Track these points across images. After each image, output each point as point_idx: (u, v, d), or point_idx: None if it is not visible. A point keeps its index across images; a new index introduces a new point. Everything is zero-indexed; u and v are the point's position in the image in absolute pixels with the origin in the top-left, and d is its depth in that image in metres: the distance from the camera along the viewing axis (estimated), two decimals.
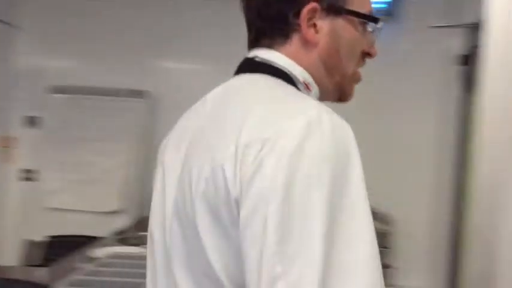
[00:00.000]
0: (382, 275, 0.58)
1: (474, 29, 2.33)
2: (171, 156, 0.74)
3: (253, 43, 0.78)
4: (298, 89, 0.74)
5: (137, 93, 3.10)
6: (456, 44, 2.64)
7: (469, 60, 2.51)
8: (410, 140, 2.86)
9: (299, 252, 0.56)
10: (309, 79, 0.76)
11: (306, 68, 0.76)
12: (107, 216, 2.99)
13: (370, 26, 0.80)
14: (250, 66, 0.77)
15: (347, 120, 0.64)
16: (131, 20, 3.13)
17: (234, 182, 0.61)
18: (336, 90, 0.82)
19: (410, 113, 2.90)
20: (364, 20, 0.79)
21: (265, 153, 0.59)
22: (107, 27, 3.13)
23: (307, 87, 0.76)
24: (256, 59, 0.76)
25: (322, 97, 0.80)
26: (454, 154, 2.65)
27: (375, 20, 0.80)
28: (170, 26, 3.11)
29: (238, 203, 0.60)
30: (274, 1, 0.75)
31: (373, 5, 0.83)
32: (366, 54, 0.83)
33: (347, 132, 0.63)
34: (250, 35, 0.79)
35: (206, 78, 3.08)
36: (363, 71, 0.84)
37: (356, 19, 0.78)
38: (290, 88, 0.73)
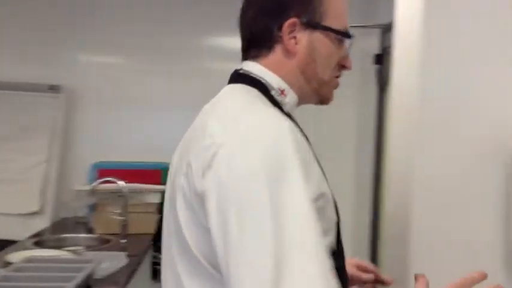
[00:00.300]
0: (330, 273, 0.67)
1: (387, 29, 2.46)
2: (173, 161, 0.89)
3: (244, 54, 0.93)
4: (271, 95, 0.87)
5: (54, 88, 2.93)
6: (373, 43, 2.76)
7: (382, 59, 2.64)
8: (332, 136, 2.96)
9: (254, 244, 0.66)
10: (285, 86, 0.89)
11: (286, 76, 0.89)
12: (26, 218, 2.83)
13: (345, 41, 0.92)
14: (235, 77, 0.91)
15: None
16: (46, 11, 2.95)
17: (198, 178, 0.73)
18: (315, 95, 0.93)
19: (332, 110, 2.96)
20: (338, 36, 0.90)
21: (216, 156, 0.71)
22: (20, 18, 2.95)
23: (282, 93, 0.88)
24: (240, 71, 0.90)
25: (304, 100, 0.93)
26: (373, 148, 2.79)
27: (348, 36, 0.92)
28: (88, 18, 2.96)
29: (202, 197, 0.72)
30: (261, 17, 0.88)
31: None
32: (342, 66, 0.95)
33: (287, 138, 0.72)
34: (242, 46, 0.93)
35: (127, 73, 3.07)
36: None
37: (331, 34, 0.89)
38: (256, 97, 0.85)
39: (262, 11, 0.89)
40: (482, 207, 1.26)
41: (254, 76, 0.88)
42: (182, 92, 2.98)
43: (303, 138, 0.77)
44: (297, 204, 0.68)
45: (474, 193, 1.25)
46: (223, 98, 0.87)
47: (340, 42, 0.91)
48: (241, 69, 0.91)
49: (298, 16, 0.86)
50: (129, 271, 1.92)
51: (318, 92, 0.93)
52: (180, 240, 0.78)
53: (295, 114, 0.93)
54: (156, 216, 2.47)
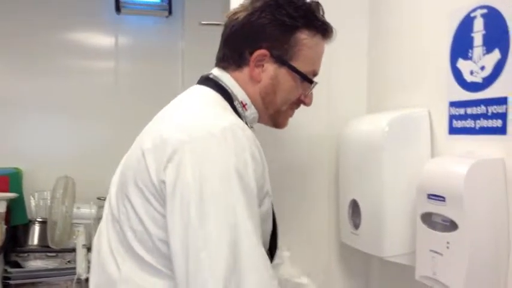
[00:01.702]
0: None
1: None
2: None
3: (217, 62, 0.99)
4: (234, 105, 0.93)
5: None
6: None
7: None
8: None
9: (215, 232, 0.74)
10: (247, 101, 0.95)
11: (248, 94, 0.95)
12: None
13: (311, 83, 1.00)
14: (203, 80, 0.97)
15: None
16: None
17: (153, 168, 0.79)
18: (270, 120, 1.02)
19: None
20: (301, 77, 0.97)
21: (178, 151, 0.77)
22: None
23: (244, 106, 0.95)
24: (210, 76, 0.96)
25: (261, 120, 1.02)
26: None
27: (309, 81, 0.99)
28: None
29: (155, 185, 0.79)
30: (239, 38, 0.95)
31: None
32: (301, 101, 1.02)
33: (242, 142, 0.79)
34: (218, 53, 0.99)
35: None
36: None
37: (296, 74, 0.96)
38: (218, 101, 0.91)
39: (241, 33, 0.95)
40: None
41: (222, 84, 0.95)
42: (36, 92, 2.80)
43: (257, 143, 0.84)
44: (248, 200, 0.76)
45: None
46: (187, 96, 0.93)
47: (303, 82, 0.98)
48: (211, 73, 0.97)
49: (270, 49, 0.94)
50: None
51: (273, 117, 1.01)
52: (131, 221, 0.84)
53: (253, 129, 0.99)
54: (3, 227, 2.29)
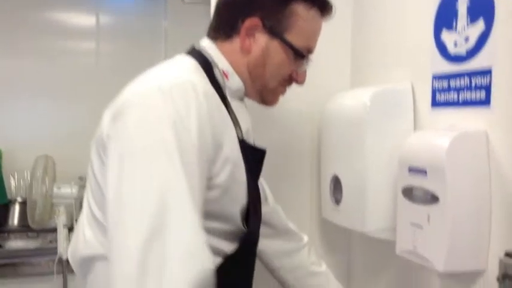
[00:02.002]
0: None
1: None
2: None
3: (208, 32, 0.96)
4: (213, 74, 0.88)
5: None
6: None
7: None
8: None
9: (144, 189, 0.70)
10: (230, 70, 0.91)
11: (235, 66, 0.91)
12: None
13: (303, 58, 0.94)
14: (189, 50, 0.94)
15: None
16: None
17: (105, 125, 0.78)
18: (257, 95, 0.97)
19: None
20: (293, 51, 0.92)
21: (123, 107, 0.76)
22: None
23: (224, 75, 0.90)
24: (195, 46, 0.94)
25: (249, 96, 0.97)
26: None
27: (301, 55, 0.93)
28: None
29: (104, 141, 0.77)
30: (231, 5, 0.92)
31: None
32: (293, 79, 0.97)
33: (191, 100, 0.75)
34: (210, 24, 0.96)
35: None
36: None
37: (288, 47, 0.91)
38: (189, 66, 0.87)
39: (234, 1, 0.92)
40: None
41: (203, 52, 0.91)
42: (15, 72, 2.72)
43: (217, 104, 0.81)
44: (184, 159, 0.71)
45: None
46: (160, 65, 0.89)
47: (297, 58, 0.94)
48: (198, 44, 0.94)
49: (263, 18, 0.89)
50: None
51: (261, 94, 0.97)
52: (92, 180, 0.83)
53: (245, 104, 0.97)
54: None
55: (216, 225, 0.84)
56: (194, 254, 0.67)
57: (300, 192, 1.37)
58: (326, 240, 1.40)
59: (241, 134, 0.90)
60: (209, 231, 0.77)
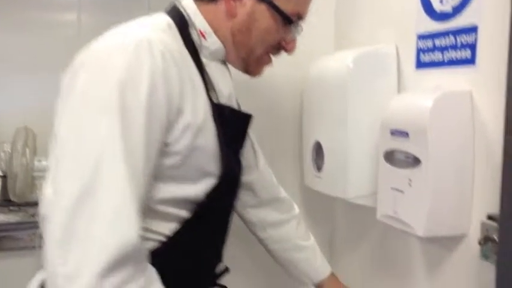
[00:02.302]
0: None
1: None
2: None
3: None
4: (188, 32, 0.84)
5: None
6: None
7: None
8: None
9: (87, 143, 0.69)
10: (208, 30, 0.86)
11: (217, 29, 0.86)
12: None
13: (292, 24, 0.88)
14: (168, 8, 0.89)
15: None
16: None
17: (65, 82, 0.75)
18: (241, 63, 0.91)
19: None
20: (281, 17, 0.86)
21: (76, 70, 0.73)
22: None
23: (202, 35, 0.85)
24: (176, 4, 0.88)
25: (230, 62, 0.92)
26: None
27: (289, 21, 0.87)
28: None
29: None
30: None
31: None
32: (282, 47, 0.91)
33: (145, 57, 0.70)
34: None
35: None
36: None
37: (276, 12, 0.85)
38: (159, 24, 0.81)
39: None
40: None
41: (181, 11, 0.86)
42: None
43: (187, 69, 0.78)
44: (125, 119, 0.68)
45: None
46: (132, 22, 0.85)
47: (285, 24, 0.88)
48: (180, 3, 0.89)
49: None
50: None
51: (245, 62, 0.91)
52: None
53: (228, 68, 0.92)
54: None
55: (177, 190, 0.80)
56: (118, 220, 0.65)
57: (282, 160, 1.34)
58: (309, 209, 1.37)
59: (217, 97, 0.85)
60: (170, 195, 0.76)
